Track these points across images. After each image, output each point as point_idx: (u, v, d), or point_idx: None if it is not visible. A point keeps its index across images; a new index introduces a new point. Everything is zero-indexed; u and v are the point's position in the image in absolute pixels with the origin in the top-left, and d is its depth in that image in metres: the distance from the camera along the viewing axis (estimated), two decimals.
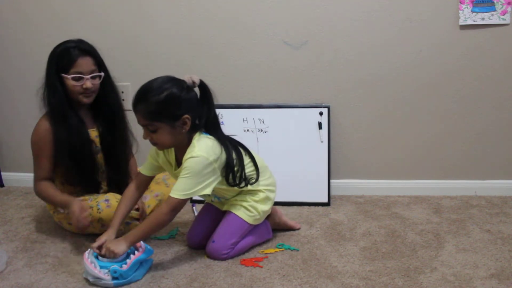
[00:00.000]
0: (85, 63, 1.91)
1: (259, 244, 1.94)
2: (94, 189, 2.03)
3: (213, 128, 1.79)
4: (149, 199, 2.19)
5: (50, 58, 1.95)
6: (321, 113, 2.40)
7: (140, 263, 1.72)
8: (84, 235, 2.00)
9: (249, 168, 1.85)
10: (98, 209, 1.90)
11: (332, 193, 2.41)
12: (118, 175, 2.08)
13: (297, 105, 2.43)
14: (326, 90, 2.42)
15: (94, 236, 1.97)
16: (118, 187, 2.04)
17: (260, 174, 1.88)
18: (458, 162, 2.45)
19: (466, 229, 2.06)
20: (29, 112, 2.58)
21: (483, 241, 1.96)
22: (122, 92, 2.43)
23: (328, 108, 2.40)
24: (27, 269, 1.78)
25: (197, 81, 1.72)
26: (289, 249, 1.91)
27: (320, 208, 2.32)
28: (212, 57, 2.42)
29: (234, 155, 1.79)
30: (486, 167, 2.45)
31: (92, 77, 1.93)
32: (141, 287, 1.66)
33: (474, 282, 1.66)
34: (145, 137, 1.73)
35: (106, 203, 1.92)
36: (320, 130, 2.40)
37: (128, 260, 1.67)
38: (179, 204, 1.71)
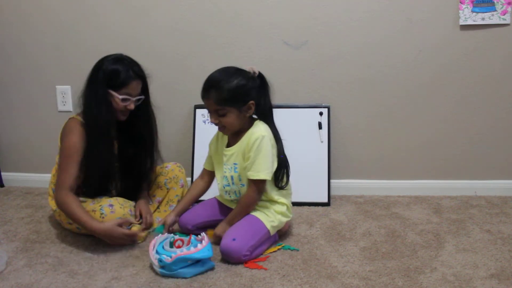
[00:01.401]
0: (136, 86, 1.96)
1: None
2: (102, 194, 2.03)
3: (266, 116, 1.93)
4: (152, 204, 2.19)
5: (101, 71, 1.92)
6: (321, 113, 2.40)
7: (193, 261, 1.71)
8: (85, 235, 2.00)
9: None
10: (102, 213, 1.88)
11: (332, 193, 2.41)
12: (132, 185, 2.10)
13: (297, 105, 2.43)
14: (326, 90, 2.42)
15: (93, 236, 1.96)
16: (130, 195, 2.07)
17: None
18: (458, 162, 2.45)
19: (466, 229, 2.06)
20: (28, 113, 2.59)
21: (483, 241, 1.96)
22: None
23: (328, 108, 2.40)
24: (27, 269, 1.78)
25: (257, 72, 1.89)
26: (289, 249, 1.91)
27: (320, 208, 2.32)
28: (212, 57, 2.42)
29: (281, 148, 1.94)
30: (486, 167, 2.45)
31: (137, 100, 1.98)
32: (141, 287, 1.66)
33: (474, 282, 1.66)
34: (213, 121, 1.87)
35: (110, 208, 1.90)
36: (320, 130, 2.40)
37: (173, 254, 1.69)
38: (265, 184, 1.89)
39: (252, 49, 2.41)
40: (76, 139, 1.91)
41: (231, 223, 1.88)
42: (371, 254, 1.86)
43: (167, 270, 1.70)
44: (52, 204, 2.07)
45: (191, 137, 2.46)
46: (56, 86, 2.54)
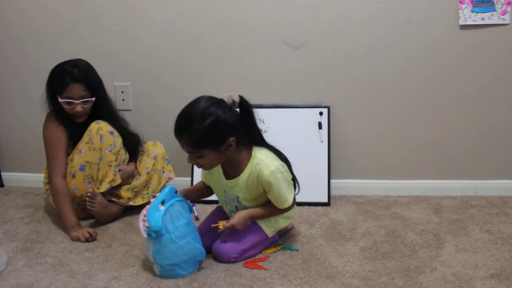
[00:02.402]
0: (75, 89, 2.02)
1: None
2: None
3: (259, 141, 1.81)
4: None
5: (49, 75, 2.07)
6: (321, 113, 2.40)
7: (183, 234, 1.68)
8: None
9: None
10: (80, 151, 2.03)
11: (332, 193, 2.41)
12: None
13: (297, 105, 2.43)
14: (326, 90, 2.42)
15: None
16: None
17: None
18: (458, 162, 2.45)
19: (466, 229, 2.06)
20: (28, 112, 2.59)
21: (483, 241, 1.96)
22: (122, 92, 2.44)
23: (328, 108, 2.40)
24: (27, 269, 1.78)
25: (237, 99, 1.71)
26: (289, 249, 1.91)
27: (320, 208, 2.32)
28: (212, 57, 2.42)
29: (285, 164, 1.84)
30: (486, 167, 2.45)
31: (83, 102, 2.04)
32: (141, 287, 1.66)
33: (474, 282, 1.66)
34: (190, 161, 1.72)
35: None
36: (320, 130, 2.40)
37: (145, 218, 1.66)
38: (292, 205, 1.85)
39: (252, 49, 2.40)
40: (55, 129, 2.07)
41: (252, 218, 1.82)
42: (371, 254, 1.86)
43: (156, 245, 1.65)
44: (50, 199, 2.14)
45: None
46: None
